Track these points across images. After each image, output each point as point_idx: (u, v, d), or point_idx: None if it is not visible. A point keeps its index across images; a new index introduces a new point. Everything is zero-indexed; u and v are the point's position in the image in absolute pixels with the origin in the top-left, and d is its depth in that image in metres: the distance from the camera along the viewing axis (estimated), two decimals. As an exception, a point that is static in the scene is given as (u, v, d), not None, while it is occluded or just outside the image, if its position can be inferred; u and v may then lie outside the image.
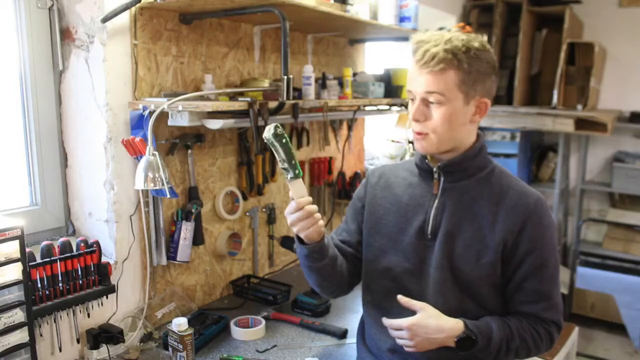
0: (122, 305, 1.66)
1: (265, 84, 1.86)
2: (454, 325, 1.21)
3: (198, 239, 1.83)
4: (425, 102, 1.23)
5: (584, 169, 3.94)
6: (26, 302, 1.29)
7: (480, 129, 3.69)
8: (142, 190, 1.65)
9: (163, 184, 1.45)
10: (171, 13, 1.71)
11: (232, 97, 1.76)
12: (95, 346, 1.53)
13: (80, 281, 1.46)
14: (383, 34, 2.38)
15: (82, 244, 1.47)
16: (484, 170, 1.30)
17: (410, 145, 2.83)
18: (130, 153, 1.57)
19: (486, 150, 1.32)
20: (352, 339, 1.67)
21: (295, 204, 1.20)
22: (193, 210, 1.78)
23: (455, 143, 1.26)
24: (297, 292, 1.96)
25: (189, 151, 1.80)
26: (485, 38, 1.26)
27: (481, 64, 1.20)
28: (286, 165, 1.20)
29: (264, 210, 2.21)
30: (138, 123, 1.59)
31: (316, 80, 2.08)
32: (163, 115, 1.57)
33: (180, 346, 1.46)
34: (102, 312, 1.59)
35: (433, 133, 1.24)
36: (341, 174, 2.63)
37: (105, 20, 1.51)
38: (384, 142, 2.99)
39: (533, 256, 1.24)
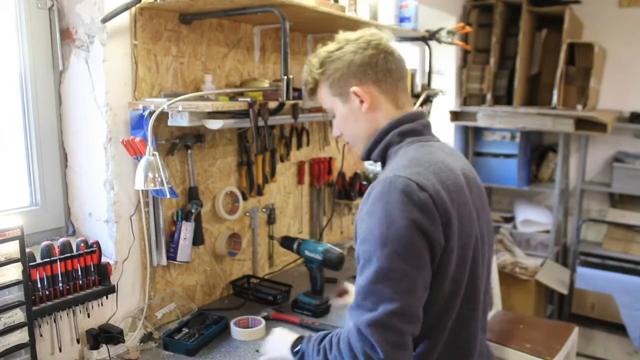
0: (122, 305, 1.66)
1: (265, 84, 1.87)
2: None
3: (198, 239, 1.83)
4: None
5: (583, 169, 3.94)
6: (26, 302, 1.29)
7: (481, 129, 3.72)
8: (142, 191, 1.65)
9: (163, 184, 1.45)
10: (171, 13, 1.71)
11: (232, 97, 1.76)
12: (95, 346, 1.53)
13: (80, 281, 1.46)
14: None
15: (82, 244, 1.47)
16: (386, 159, 1.24)
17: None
18: (130, 153, 1.57)
19: (388, 136, 1.22)
20: (352, 339, 1.66)
21: None
22: (193, 211, 1.78)
23: (362, 139, 1.28)
24: (297, 292, 1.96)
25: (189, 151, 1.80)
26: (350, 35, 1.25)
27: (334, 62, 1.24)
28: None
29: (264, 210, 2.21)
30: (138, 123, 1.59)
31: (316, 81, 2.08)
32: (163, 116, 1.57)
33: None
34: (102, 312, 1.59)
35: (347, 140, 1.32)
36: (341, 174, 2.63)
37: (105, 20, 1.51)
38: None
39: (359, 250, 1.11)
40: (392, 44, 1.27)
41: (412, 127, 1.23)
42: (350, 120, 1.26)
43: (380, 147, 1.24)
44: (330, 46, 1.26)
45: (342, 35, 1.27)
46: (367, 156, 1.28)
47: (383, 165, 1.26)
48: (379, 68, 1.22)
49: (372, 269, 1.05)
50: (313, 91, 1.31)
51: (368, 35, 1.24)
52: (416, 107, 2.57)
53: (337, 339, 1.12)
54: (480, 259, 1.20)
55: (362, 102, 1.23)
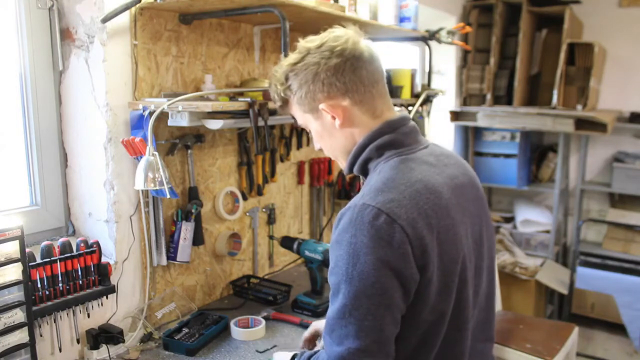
0: (122, 305, 1.66)
1: (265, 84, 1.87)
2: None
3: (198, 239, 1.83)
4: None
5: (583, 169, 3.94)
6: (26, 302, 1.29)
7: (481, 129, 3.72)
8: (142, 191, 1.65)
9: (163, 184, 1.45)
10: (171, 13, 1.71)
11: (232, 97, 1.76)
12: (95, 346, 1.53)
13: (80, 281, 1.46)
14: (383, 34, 2.38)
15: (82, 244, 1.47)
16: (367, 173, 1.18)
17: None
18: (130, 153, 1.57)
19: (365, 151, 1.15)
20: (352, 339, 1.66)
21: None
22: (193, 211, 1.78)
23: (341, 154, 1.20)
24: (297, 292, 1.96)
25: (189, 151, 1.80)
26: (311, 41, 1.14)
27: (298, 77, 1.13)
28: None
29: (264, 210, 2.21)
30: (138, 123, 1.59)
31: (316, 81, 2.07)
32: (163, 116, 1.57)
33: None
34: (102, 312, 1.59)
35: (328, 154, 1.24)
36: (341, 174, 2.63)
37: (105, 20, 1.52)
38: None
39: (329, 279, 1.06)
40: (362, 43, 1.13)
41: (391, 139, 1.12)
42: (326, 136, 1.18)
43: (359, 162, 1.16)
44: (292, 57, 1.14)
45: (303, 43, 1.14)
46: (350, 171, 1.20)
47: (365, 177, 1.18)
48: (347, 78, 1.10)
49: (338, 304, 1.01)
50: (283, 108, 1.22)
51: (331, 41, 1.11)
52: (415, 108, 2.57)
53: None
54: (469, 281, 1.12)
55: (334, 117, 1.13)
